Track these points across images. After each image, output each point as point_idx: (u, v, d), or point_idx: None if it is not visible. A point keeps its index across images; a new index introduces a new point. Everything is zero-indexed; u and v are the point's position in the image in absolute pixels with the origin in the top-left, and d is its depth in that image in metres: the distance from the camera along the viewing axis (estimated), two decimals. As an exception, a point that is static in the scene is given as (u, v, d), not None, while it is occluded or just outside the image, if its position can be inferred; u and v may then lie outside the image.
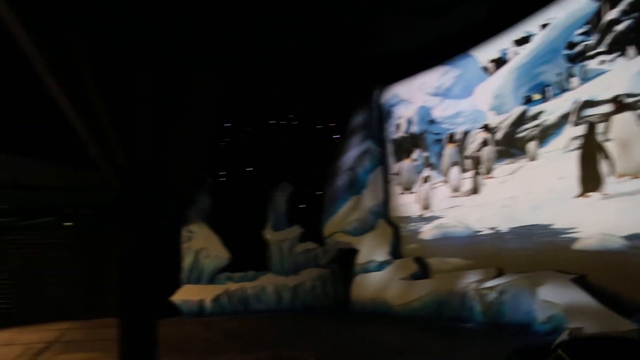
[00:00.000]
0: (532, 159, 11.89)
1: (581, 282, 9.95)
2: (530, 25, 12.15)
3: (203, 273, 15.82)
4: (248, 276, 16.21)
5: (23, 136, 5.04)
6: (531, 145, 11.93)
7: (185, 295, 15.51)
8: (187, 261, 15.81)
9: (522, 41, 12.42)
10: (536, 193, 11.64)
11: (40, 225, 14.20)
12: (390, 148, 17.16)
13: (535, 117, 11.89)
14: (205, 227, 15.91)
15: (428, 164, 15.57)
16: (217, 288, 15.70)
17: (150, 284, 7.03)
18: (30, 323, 14.65)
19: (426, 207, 15.42)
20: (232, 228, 16.12)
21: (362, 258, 16.11)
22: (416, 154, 16.05)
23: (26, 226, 14.20)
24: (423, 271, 14.74)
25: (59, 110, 5.54)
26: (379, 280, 15.30)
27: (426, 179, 15.55)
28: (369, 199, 16.78)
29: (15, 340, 12.47)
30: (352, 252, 16.43)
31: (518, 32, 12.51)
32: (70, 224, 13.38)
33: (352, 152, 17.13)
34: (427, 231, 15.21)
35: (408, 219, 16.08)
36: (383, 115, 17.47)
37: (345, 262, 16.58)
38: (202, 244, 15.67)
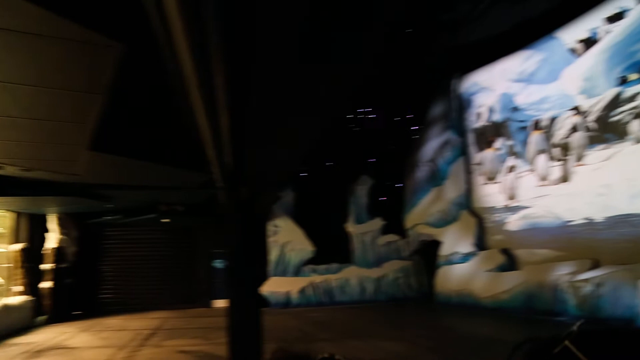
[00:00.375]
0: (632, 143, 11.19)
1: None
2: (624, 0, 11.42)
3: (289, 266, 16.44)
4: (332, 268, 16.62)
5: (137, 140, 5.59)
6: (630, 129, 11.23)
7: (273, 287, 16.21)
8: (273, 254, 16.50)
9: (615, 18, 11.69)
10: (636, 180, 10.96)
11: (141, 222, 15.40)
12: (471, 138, 16.80)
13: (632, 98, 11.18)
14: (290, 221, 16.50)
15: (512, 153, 15.08)
16: (303, 280, 16.25)
17: (255, 275, 7.55)
18: (131, 312, 16.04)
19: (512, 197, 14.97)
20: (315, 222, 16.57)
21: (445, 250, 15.97)
22: (499, 142, 15.59)
23: (129, 223, 15.47)
24: (510, 263, 14.35)
25: (185, 118, 6.13)
26: (464, 272, 15.10)
27: (511, 169, 15.08)
28: (451, 190, 16.56)
29: (125, 327, 13.74)
30: (435, 244, 16.33)
31: (610, 8, 11.79)
32: (167, 220, 14.41)
33: (432, 143, 16.97)
34: (514, 222, 14.77)
35: (492, 210, 15.69)
36: (463, 104, 17.12)
37: (428, 254, 16.51)
38: (287, 238, 16.29)
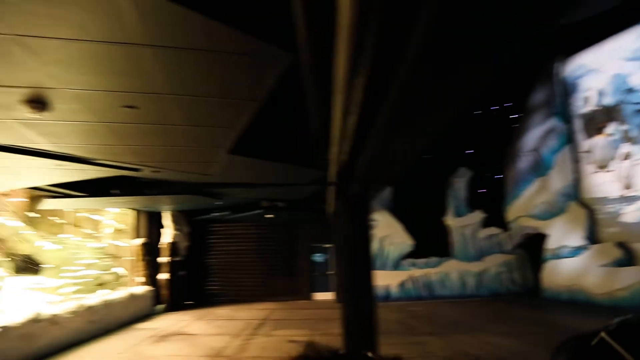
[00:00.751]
0: None
1: None
2: None
3: (388, 259, 16.48)
4: (431, 262, 16.43)
5: (262, 141, 5.91)
6: None
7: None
8: (372, 248, 16.59)
9: None
10: None
11: (244, 218, 16.18)
12: (578, 124, 15.78)
13: None
14: (388, 215, 16.52)
15: (628, 138, 13.98)
16: (402, 274, 16.23)
17: (368, 267, 7.72)
18: (237, 303, 16.92)
19: (628, 186, 13.89)
20: (413, 215, 16.46)
21: (552, 243, 15.19)
22: (611, 128, 14.52)
23: (233, 219, 16.32)
24: (628, 258, 13.35)
25: (314, 118, 6.42)
26: (574, 266, 14.28)
27: (626, 155, 14.00)
28: (557, 180, 15.69)
29: (234, 317, 14.55)
30: (540, 237, 15.58)
31: None
32: (271, 215, 15.01)
33: (535, 132, 16.16)
34: (631, 213, 13.70)
35: (605, 200, 14.65)
36: (567, 89, 16.11)
37: (532, 248, 15.79)
38: (385, 232, 16.33)
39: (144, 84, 3.56)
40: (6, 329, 9.32)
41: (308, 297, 17.38)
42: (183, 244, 15.81)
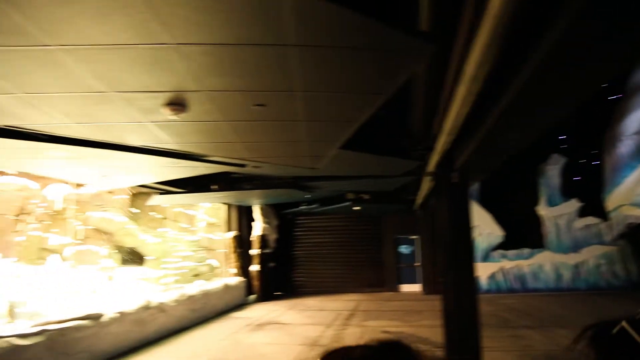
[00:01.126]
0: None
1: None
2: None
3: (477, 251, 16.06)
4: (523, 254, 15.82)
5: (366, 133, 5.93)
6: None
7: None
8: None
9: None
10: None
11: (330, 211, 16.37)
12: (688, 103, 14.50)
13: None
14: (476, 205, 16.08)
15: None
16: (492, 266, 15.76)
17: (470, 258, 7.60)
18: (323, 294, 17.22)
19: None
20: (503, 205, 15.91)
21: (660, 233, 14.11)
22: None
23: (318, 212, 16.59)
24: None
25: (424, 111, 6.45)
26: (687, 258, 13.20)
27: None
28: (664, 166, 14.52)
29: (323, 307, 14.84)
30: (646, 227, 14.52)
31: None
32: (358, 208, 15.11)
33: (638, 114, 15.02)
34: None
35: None
36: (674, 65, 14.81)
37: (637, 239, 14.74)
38: (474, 222, 15.90)
39: (278, 83, 3.72)
40: (123, 314, 10.11)
41: (394, 289, 17.36)
42: (272, 237, 16.33)
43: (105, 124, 4.83)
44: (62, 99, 4.16)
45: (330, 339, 10.55)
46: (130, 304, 10.52)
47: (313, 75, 3.54)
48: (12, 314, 10.60)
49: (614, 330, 0.95)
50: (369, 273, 17.61)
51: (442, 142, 6.00)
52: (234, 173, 10.08)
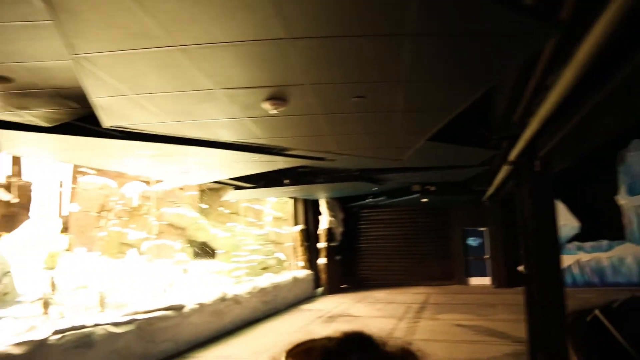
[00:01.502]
0: None
1: None
2: None
3: (551, 242, 15.45)
4: (601, 246, 15.06)
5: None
6: None
7: (530, 265, 15.47)
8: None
9: None
10: None
11: (394, 203, 16.24)
12: None
13: None
14: (549, 196, 15.46)
15: None
16: (567, 258, 15.08)
17: (557, 247, 7.33)
18: (389, 286, 17.10)
19: None
20: (579, 194, 15.20)
21: None
22: None
23: (388, 204, 16.49)
24: None
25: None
26: None
27: None
28: None
29: (392, 300, 14.78)
30: None
31: None
32: (426, 200, 14.92)
33: None
34: None
35: None
36: None
37: None
38: (548, 213, 15.31)
39: (383, 74, 3.72)
40: (202, 305, 10.48)
41: (462, 282, 17.03)
42: (338, 230, 16.43)
43: (204, 121, 5.00)
44: (169, 98, 4.35)
45: (404, 331, 10.50)
46: (208, 296, 10.88)
47: (421, 66, 3.51)
48: (102, 304, 11.27)
49: (588, 318, 0.95)
50: (436, 266, 17.35)
51: (531, 130, 5.80)
52: (302, 167, 10.19)
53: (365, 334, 0.85)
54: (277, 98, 4.21)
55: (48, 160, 12.27)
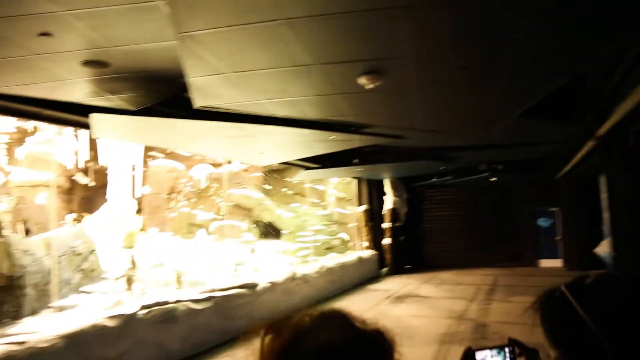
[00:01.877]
0: None
1: None
2: None
3: (630, 223, 14.63)
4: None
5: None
6: None
7: (606, 247, 14.74)
8: (605, 214, 14.94)
9: None
10: None
11: (468, 182, 15.74)
12: None
13: None
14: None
15: None
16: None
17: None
18: (455, 267, 16.77)
19: None
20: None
21: None
22: None
23: (453, 184, 16.10)
24: None
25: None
26: None
27: None
28: None
29: (460, 281, 14.51)
30: None
31: None
32: (495, 179, 14.45)
33: None
34: None
35: None
36: None
37: None
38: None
39: (489, 44, 3.55)
40: (274, 284, 10.69)
41: (532, 264, 16.47)
42: (402, 210, 16.25)
43: (293, 99, 5.00)
44: (265, 76, 4.37)
45: (476, 313, 10.30)
46: (279, 275, 11.08)
47: (531, 36, 3.32)
48: (179, 281, 11.76)
49: (556, 294, 0.94)
50: (504, 247, 16.84)
51: (628, 103, 5.42)
52: (369, 147, 10.05)
53: (342, 312, 0.86)
54: (374, 72, 4.12)
55: (133, 143, 12.76)
